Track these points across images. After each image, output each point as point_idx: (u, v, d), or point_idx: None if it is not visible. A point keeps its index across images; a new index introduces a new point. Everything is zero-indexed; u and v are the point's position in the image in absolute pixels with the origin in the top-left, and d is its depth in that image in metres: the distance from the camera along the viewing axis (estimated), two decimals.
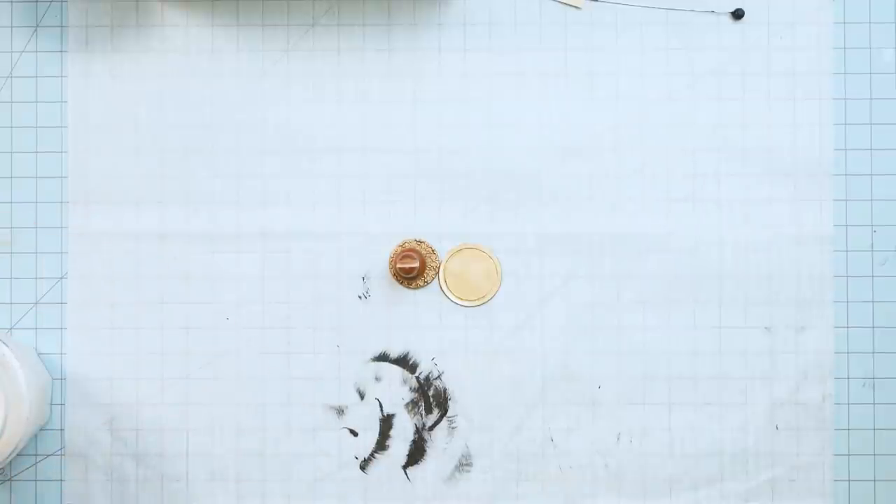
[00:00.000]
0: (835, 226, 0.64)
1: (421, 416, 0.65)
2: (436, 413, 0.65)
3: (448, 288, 0.64)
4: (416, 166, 0.65)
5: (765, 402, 0.64)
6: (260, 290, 0.65)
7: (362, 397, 0.65)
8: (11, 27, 0.65)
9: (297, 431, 0.65)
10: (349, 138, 0.65)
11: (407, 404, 0.65)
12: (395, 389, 0.65)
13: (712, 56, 0.65)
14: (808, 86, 0.64)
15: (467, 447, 0.65)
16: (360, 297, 0.65)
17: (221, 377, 0.65)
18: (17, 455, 0.62)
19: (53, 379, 0.64)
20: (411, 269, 0.63)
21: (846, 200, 0.64)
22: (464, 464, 0.64)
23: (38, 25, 0.65)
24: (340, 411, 0.65)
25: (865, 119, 0.64)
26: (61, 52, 0.65)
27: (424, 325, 0.64)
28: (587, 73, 0.65)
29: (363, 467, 0.65)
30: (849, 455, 0.64)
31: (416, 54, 0.65)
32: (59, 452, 0.64)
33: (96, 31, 0.65)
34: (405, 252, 0.63)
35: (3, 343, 0.59)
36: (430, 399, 0.65)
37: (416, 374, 0.65)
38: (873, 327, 0.64)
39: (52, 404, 0.64)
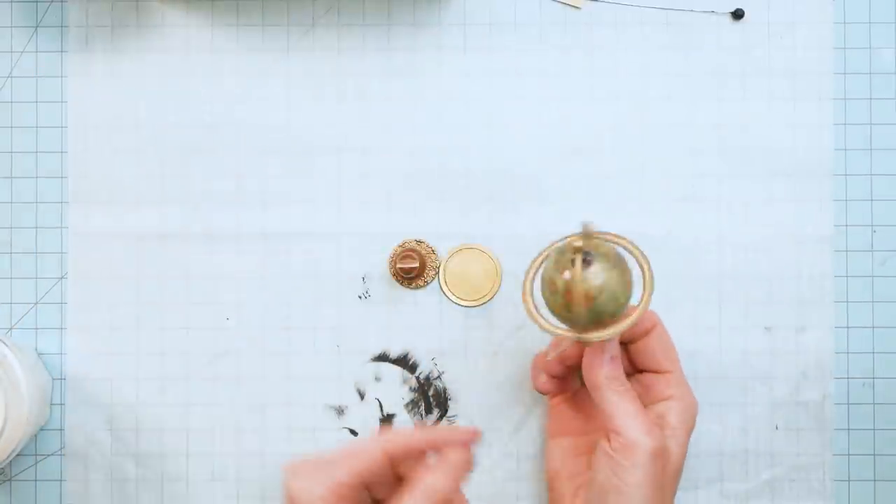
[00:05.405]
0: (835, 226, 0.64)
1: (421, 416, 0.65)
2: (436, 413, 0.65)
3: (448, 288, 0.64)
4: (416, 166, 0.65)
5: (765, 402, 0.64)
6: (260, 290, 0.65)
7: (362, 397, 0.65)
8: (11, 27, 0.65)
9: (297, 431, 0.65)
10: (349, 138, 0.65)
11: (407, 404, 0.65)
12: (395, 389, 0.65)
13: (712, 56, 0.65)
14: (808, 86, 0.64)
15: None
16: (360, 298, 0.65)
17: (221, 377, 0.65)
18: (17, 455, 0.62)
19: (53, 379, 0.64)
20: (411, 269, 0.63)
21: (846, 200, 0.64)
22: None
23: (38, 25, 0.65)
24: (340, 411, 0.65)
25: (865, 119, 0.64)
26: (61, 52, 0.65)
27: (424, 325, 0.64)
28: (587, 73, 0.65)
29: None
30: (849, 455, 0.64)
31: (416, 54, 0.65)
32: (59, 452, 0.64)
33: (96, 31, 0.65)
34: (405, 252, 0.63)
35: (3, 343, 0.59)
36: (430, 399, 0.65)
37: (416, 374, 0.65)
38: (873, 327, 0.64)
39: (52, 404, 0.64)
